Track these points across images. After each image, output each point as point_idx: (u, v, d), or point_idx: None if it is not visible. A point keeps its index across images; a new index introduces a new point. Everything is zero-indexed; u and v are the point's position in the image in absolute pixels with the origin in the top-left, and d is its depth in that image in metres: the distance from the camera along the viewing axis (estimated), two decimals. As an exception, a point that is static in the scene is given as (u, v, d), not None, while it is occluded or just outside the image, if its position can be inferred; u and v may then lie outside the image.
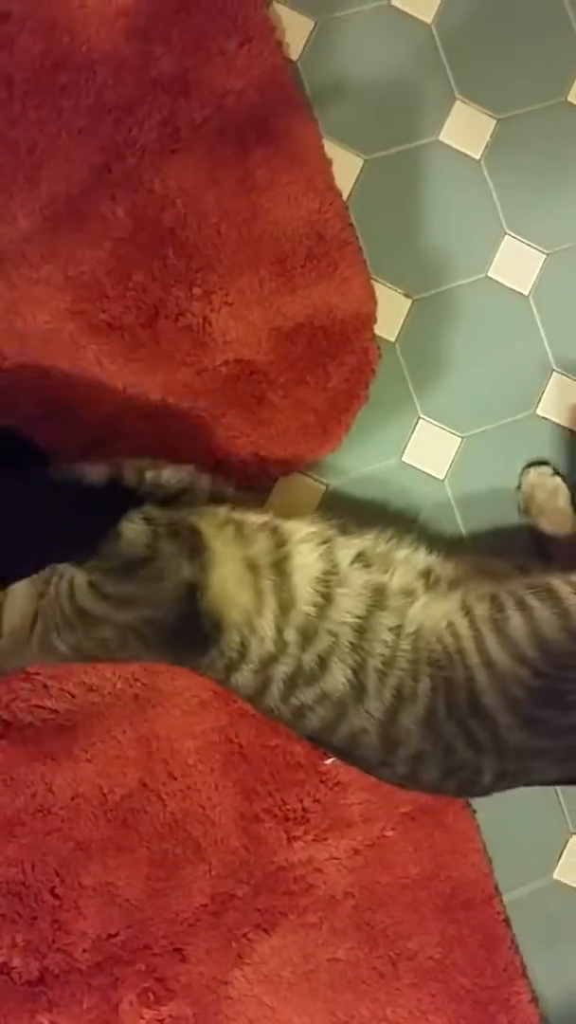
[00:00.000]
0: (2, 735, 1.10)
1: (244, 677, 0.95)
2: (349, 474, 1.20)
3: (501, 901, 1.21)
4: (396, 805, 1.17)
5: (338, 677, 0.94)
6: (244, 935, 1.14)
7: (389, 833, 1.17)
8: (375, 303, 1.19)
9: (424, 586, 1.00)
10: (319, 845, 1.16)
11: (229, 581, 0.94)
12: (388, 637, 0.94)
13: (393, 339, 1.21)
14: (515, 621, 0.95)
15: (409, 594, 0.98)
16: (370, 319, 1.18)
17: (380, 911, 1.17)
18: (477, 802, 1.20)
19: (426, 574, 1.02)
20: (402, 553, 1.02)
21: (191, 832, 1.14)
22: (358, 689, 0.94)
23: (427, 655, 0.95)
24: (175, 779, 1.14)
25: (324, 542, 0.98)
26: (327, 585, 0.95)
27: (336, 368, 1.17)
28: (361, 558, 0.98)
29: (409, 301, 1.21)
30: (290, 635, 0.93)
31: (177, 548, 0.93)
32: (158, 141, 1.15)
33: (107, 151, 1.14)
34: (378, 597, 0.96)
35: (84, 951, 1.12)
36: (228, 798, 1.15)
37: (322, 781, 1.16)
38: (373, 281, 1.20)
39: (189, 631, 0.93)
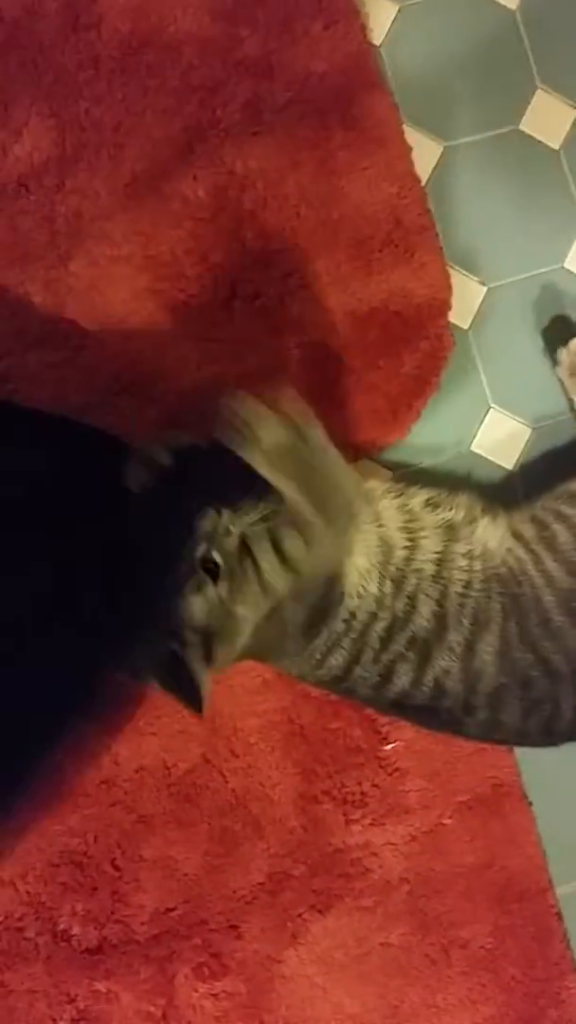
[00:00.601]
0: (70, 706, 1.12)
1: (340, 655, 0.96)
2: (417, 461, 1.20)
3: (555, 894, 1.20)
4: (454, 793, 1.18)
5: (424, 614, 0.98)
6: (299, 915, 1.15)
7: (446, 821, 1.17)
8: (451, 290, 1.18)
9: (481, 512, 1.06)
10: (376, 829, 1.16)
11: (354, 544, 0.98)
12: (464, 563, 1.01)
13: (466, 327, 1.21)
14: (561, 535, 1.03)
15: (472, 521, 1.04)
16: (445, 306, 1.18)
17: (434, 898, 1.17)
18: (533, 794, 1.20)
19: (481, 506, 1.08)
20: (461, 498, 1.08)
21: (251, 810, 1.15)
22: (440, 621, 0.98)
23: (494, 574, 1.01)
24: (237, 756, 1.15)
25: (399, 495, 1.05)
26: (411, 533, 1.01)
27: (410, 354, 1.17)
28: (430, 502, 1.05)
29: (484, 289, 1.21)
30: (387, 587, 0.98)
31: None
32: (241, 122, 1.15)
33: (190, 131, 1.15)
34: (451, 532, 1.03)
35: (142, 923, 1.13)
36: (288, 778, 1.15)
37: (381, 766, 1.16)
38: (448, 268, 1.19)
39: (325, 600, 0.96)
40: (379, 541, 1.00)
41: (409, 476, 1.19)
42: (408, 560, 1.00)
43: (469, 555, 1.01)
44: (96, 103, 1.14)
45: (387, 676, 0.98)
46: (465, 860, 1.18)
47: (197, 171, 1.15)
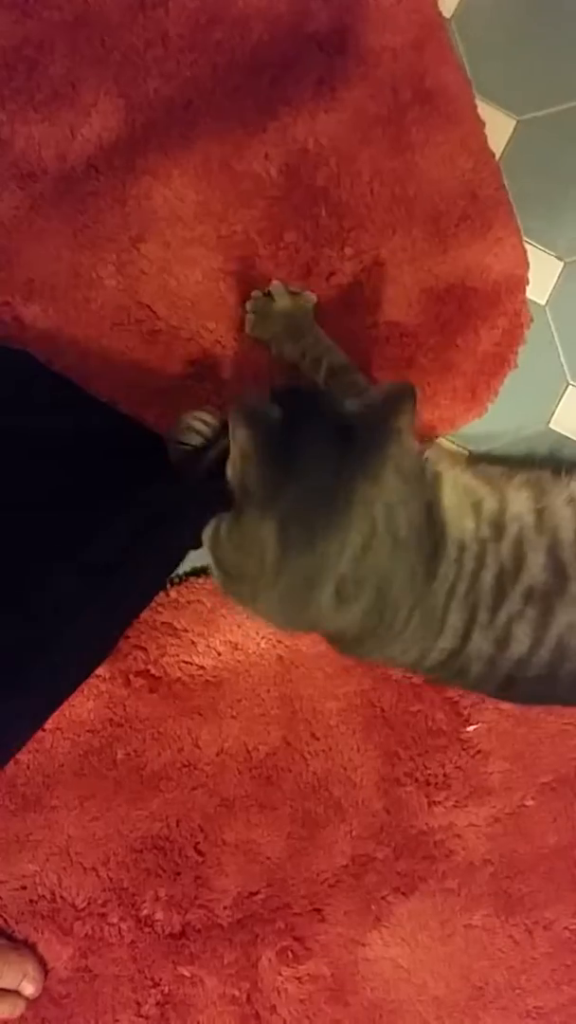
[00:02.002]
0: (152, 690, 1.11)
1: (457, 610, 0.93)
2: (494, 440, 1.19)
3: None
4: (536, 775, 1.16)
5: (536, 563, 0.94)
6: (383, 897, 1.15)
7: (529, 803, 1.16)
8: (527, 265, 1.17)
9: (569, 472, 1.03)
10: (459, 811, 1.15)
11: (450, 490, 0.97)
12: (568, 511, 0.97)
13: (543, 302, 1.19)
14: None
15: (563, 476, 1.01)
16: (522, 281, 1.16)
17: (517, 879, 1.16)
18: (615, 775, 1.18)
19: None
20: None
21: (333, 793, 1.14)
22: (559, 573, 0.94)
23: None
24: (317, 739, 1.14)
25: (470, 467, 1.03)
26: (494, 487, 0.99)
27: (487, 331, 1.16)
28: (508, 472, 1.03)
29: (561, 264, 1.19)
30: (485, 530, 0.95)
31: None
32: (313, 99, 1.14)
33: (262, 109, 1.13)
34: (540, 485, 1.00)
35: (225, 908, 1.13)
36: (369, 761, 1.15)
37: (464, 748, 1.15)
38: (525, 243, 1.17)
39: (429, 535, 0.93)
40: (461, 486, 0.98)
41: (486, 455, 1.18)
42: (501, 510, 0.97)
43: (573, 502, 0.98)
44: (165, 82, 1.13)
45: (504, 640, 0.94)
46: (548, 841, 1.17)
47: (269, 149, 1.13)
